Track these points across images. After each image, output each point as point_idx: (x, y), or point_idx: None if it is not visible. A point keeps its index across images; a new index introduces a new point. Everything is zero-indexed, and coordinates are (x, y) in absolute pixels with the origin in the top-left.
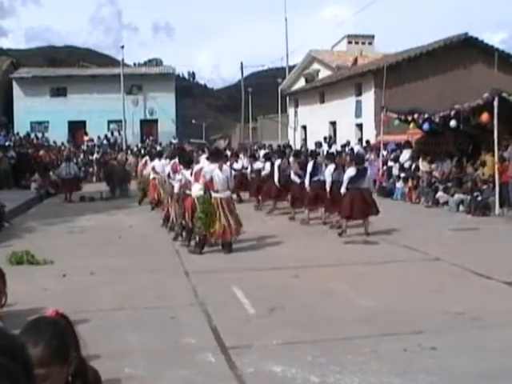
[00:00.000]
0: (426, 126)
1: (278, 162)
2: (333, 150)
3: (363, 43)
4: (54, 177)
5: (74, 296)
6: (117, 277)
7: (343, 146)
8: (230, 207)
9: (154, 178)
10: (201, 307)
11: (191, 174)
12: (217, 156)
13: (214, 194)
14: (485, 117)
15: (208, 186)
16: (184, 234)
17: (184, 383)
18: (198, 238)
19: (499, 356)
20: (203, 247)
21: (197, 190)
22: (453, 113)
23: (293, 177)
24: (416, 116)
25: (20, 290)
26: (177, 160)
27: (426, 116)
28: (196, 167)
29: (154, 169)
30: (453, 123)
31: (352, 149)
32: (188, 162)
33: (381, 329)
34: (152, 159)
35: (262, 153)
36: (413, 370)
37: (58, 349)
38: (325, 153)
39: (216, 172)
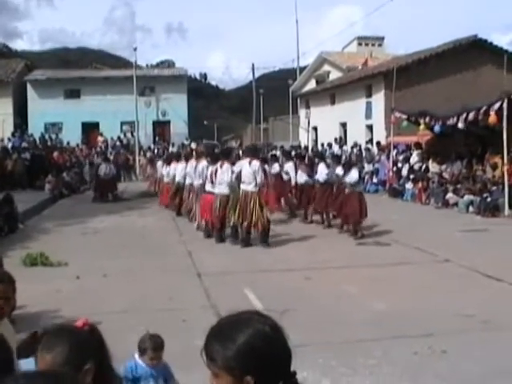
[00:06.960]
0: (437, 128)
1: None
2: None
3: (373, 45)
4: (67, 178)
5: (87, 298)
6: (129, 279)
7: (353, 147)
8: (253, 200)
9: (168, 182)
10: (213, 309)
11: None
12: (251, 152)
13: (241, 186)
14: (492, 119)
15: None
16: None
17: None
18: (234, 230)
19: (510, 359)
20: (249, 240)
21: (223, 187)
22: (463, 116)
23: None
24: (428, 119)
25: (34, 291)
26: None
27: (438, 119)
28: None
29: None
30: (461, 125)
31: (368, 148)
32: (215, 158)
33: (392, 331)
34: (168, 163)
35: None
36: (423, 373)
37: (69, 357)
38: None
39: (245, 166)
